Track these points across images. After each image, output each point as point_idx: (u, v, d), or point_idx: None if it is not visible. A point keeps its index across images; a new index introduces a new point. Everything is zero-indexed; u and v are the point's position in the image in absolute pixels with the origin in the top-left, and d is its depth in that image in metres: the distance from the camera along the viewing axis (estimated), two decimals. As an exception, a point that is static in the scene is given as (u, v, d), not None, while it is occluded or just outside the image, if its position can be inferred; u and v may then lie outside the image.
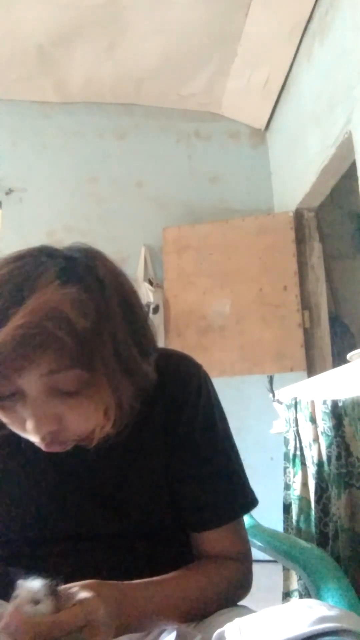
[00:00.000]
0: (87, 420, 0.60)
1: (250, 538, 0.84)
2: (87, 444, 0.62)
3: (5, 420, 0.60)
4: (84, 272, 0.58)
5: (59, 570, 0.66)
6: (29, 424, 0.57)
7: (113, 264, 0.64)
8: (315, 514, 1.17)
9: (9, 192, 3.39)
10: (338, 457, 1.08)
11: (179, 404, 0.72)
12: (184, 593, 0.65)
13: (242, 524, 0.76)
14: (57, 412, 0.58)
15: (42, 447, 0.60)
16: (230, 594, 0.70)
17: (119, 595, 0.58)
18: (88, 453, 0.64)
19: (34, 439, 0.59)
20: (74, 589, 0.54)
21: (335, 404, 1.13)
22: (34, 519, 0.70)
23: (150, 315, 3.01)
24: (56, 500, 0.70)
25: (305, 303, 3.07)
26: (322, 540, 1.12)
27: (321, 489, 1.16)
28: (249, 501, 0.75)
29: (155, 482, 0.71)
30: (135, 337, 0.61)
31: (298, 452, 1.31)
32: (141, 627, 0.61)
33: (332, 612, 0.51)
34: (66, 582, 0.63)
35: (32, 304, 0.52)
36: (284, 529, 1.28)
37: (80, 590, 0.54)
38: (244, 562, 0.73)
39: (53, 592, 0.52)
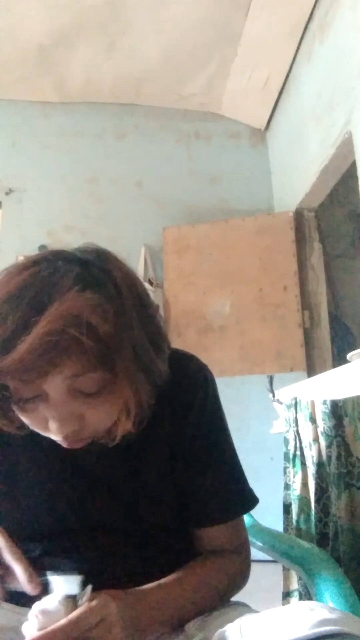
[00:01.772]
0: (108, 418, 0.62)
1: (250, 538, 0.85)
2: (108, 441, 0.64)
3: (26, 421, 0.61)
4: (100, 276, 0.59)
5: (65, 564, 0.67)
6: (52, 425, 0.58)
7: (125, 265, 0.65)
8: (315, 514, 1.17)
9: (9, 192, 3.39)
10: (338, 457, 1.08)
11: (186, 403, 0.73)
12: (195, 592, 0.67)
13: (242, 518, 0.78)
14: (79, 412, 0.59)
15: (65, 445, 0.61)
16: (234, 584, 0.73)
17: (134, 602, 0.60)
18: (97, 447, 0.65)
19: (56, 437, 0.60)
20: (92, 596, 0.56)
21: (335, 404, 1.13)
22: (43, 513, 0.71)
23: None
24: (65, 493, 0.71)
25: (305, 303, 3.07)
26: (322, 540, 1.12)
27: (321, 489, 1.16)
28: (251, 500, 0.77)
29: (161, 478, 0.72)
30: (150, 336, 0.62)
31: (298, 452, 1.31)
32: (158, 630, 0.62)
33: (333, 615, 0.51)
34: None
35: (54, 311, 0.53)
36: (284, 529, 1.28)
37: (95, 596, 0.56)
38: (243, 553, 0.76)
39: (72, 597, 0.54)
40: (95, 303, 0.55)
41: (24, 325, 0.53)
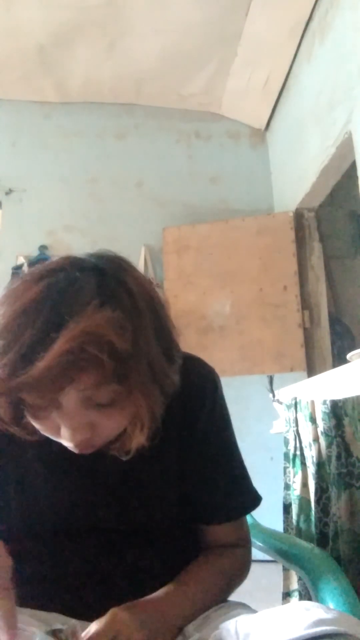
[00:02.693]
0: (119, 427, 0.62)
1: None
2: (122, 455, 0.64)
3: (38, 427, 0.61)
4: (117, 289, 0.59)
5: (66, 565, 0.67)
6: (65, 432, 0.59)
7: (139, 272, 0.65)
8: (315, 514, 1.17)
9: (9, 192, 3.38)
10: (338, 457, 1.08)
11: (195, 407, 0.74)
12: (206, 589, 0.69)
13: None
14: (91, 421, 0.60)
15: (75, 451, 0.62)
16: (237, 577, 0.76)
17: (147, 610, 0.61)
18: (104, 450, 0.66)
19: (68, 444, 0.61)
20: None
21: (335, 404, 1.13)
22: (51, 513, 0.71)
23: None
24: (73, 494, 0.72)
25: (305, 303, 3.07)
26: (322, 540, 1.12)
27: (321, 489, 1.16)
28: (255, 499, 0.79)
29: (169, 479, 0.73)
30: (163, 346, 0.63)
31: (298, 452, 1.30)
32: (172, 632, 0.63)
33: (329, 615, 0.51)
34: (73, 575, 0.66)
35: (74, 329, 0.52)
36: (284, 529, 1.28)
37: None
38: (246, 548, 0.79)
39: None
40: (114, 320, 0.55)
41: (42, 341, 0.52)
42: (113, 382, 0.56)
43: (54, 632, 0.53)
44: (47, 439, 0.63)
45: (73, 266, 0.60)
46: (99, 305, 0.55)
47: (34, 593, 0.68)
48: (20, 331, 0.53)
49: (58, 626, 0.54)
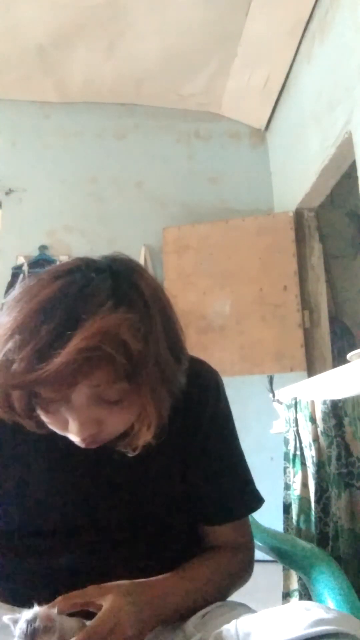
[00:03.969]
0: (125, 424, 0.64)
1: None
2: (129, 451, 0.66)
3: (47, 420, 0.63)
4: (130, 291, 0.61)
5: (64, 561, 0.68)
6: (72, 427, 0.60)
7: (150, 276, 0.67)
8: (315, 514, 1.17)
9: (9, 192, 3.39)
10: (338, 457, 1.08)
11: (199, 408, 0.75)
12: (203, 583, 0.69)
13: (247, 517, 0.80)
14: (99, 417, 0.61)
15: (82, 446, 0.63)
16: (236, 580, 0.76)
17: (140, 592, 0.62)
18: (110, 449, 0.66)
19: (74, 438, 0.62)
20: (94, 592, 0.59)
21: (335, 404, 1.13)
22: (53, 510, 0.71)
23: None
24: (75, 492, 0.72)
25: (305, 303, 3.07)
26: (322, 540, 1.12)
27: (321, 489, 1.16)
28: (257, 500, 0.79)
29: (171, 479, 0.74)
30: (171, 348, 0.64)
31: (298, 452, 1.30)
32: (161, 620, 0.64)
33: (330, 615, 0.52)
34: (71, 572, 0.67)
35: (90, 327, 0.54)
36: (284, 529, 1.28)
37: (99, 592, 0.59)
38: (248, 551, 0.79)
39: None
40: (128, 321, 0.57)
41: (59, 337, 0.54)
42: (123, 381, 0.58)
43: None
44: (53, 434, 0.64)
45: (88, 267, 0.62)
46: (114, 306, 0.57)
47: (31, 589, 0.68)
48: (37, 328, 0.55)
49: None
